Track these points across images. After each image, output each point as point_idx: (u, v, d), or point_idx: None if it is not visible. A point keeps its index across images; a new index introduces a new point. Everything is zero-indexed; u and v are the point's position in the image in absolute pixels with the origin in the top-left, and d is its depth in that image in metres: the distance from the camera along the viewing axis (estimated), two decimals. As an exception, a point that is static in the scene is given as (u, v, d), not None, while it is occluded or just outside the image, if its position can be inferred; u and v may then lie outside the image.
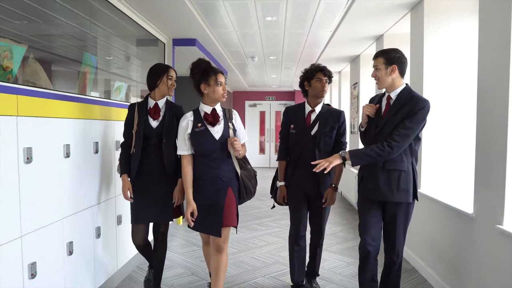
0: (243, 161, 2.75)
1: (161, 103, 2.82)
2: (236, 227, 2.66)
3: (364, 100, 5.80)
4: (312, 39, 5.66)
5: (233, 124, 2.65)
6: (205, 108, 2.61)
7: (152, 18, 4.40)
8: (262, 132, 12.89)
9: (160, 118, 2.78)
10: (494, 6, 2.41)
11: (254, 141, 12.67)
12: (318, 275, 3.17)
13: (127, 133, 2.82)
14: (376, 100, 2.59)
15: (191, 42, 5.27)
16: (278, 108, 12.71)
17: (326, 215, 2.97)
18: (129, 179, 2.79)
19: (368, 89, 5.94)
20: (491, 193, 2.41)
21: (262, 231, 4.90)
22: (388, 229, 2.54)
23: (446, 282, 2.99)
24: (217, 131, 2.58)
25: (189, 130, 2.57)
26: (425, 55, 3.50)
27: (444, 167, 3.48)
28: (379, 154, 2.35)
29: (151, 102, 2.81)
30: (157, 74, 2.79)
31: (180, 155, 2.66)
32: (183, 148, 2.60)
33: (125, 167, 2.81)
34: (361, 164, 2.51)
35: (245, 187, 2.68)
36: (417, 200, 2.48)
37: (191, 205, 2.57)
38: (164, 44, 5.21)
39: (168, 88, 2.79)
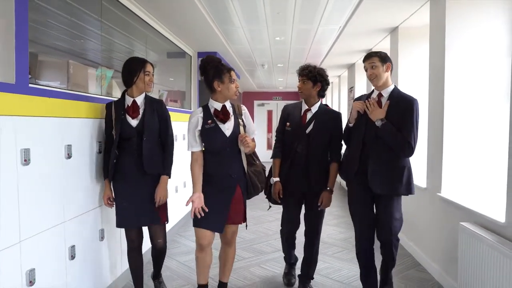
0: (252, 157, 2.66)
1: (140, 99, 2.58)
2: (245, 224, 2.64)
3: (359, 102, 6.70)
4: (314, 51, 6.59)
5: (243, 120, 2.57)
6: (215, 105, 2.50)
7: (182, 35, 5.35)
8: (269, 129, 13.36)
9: (140, 115, 2.56)
10: (436, 35, 3.40)
11: (263, 138, 13.15)
12: (312, 278, 3.09)
13: (106, 134, 2.63)
14: (364, 98, 2.65)
15: (212, 54, 6.26)
16: (285, 108, 13.40)
17: (322, 217, 2.92)
18: (111, 182, 2.63)
19: (362, 93, 6.89)
20: (435, 171, 3.40)
21: (272, 210, 5.85)
22: (380, 217, 2.66)
23: (412, 242, 3.99)
24: (227, 128, 2.48)
25: (199, 127, 2.48)
26: (399, 68, 4.51)
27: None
28: (400, 144, 2.43)
29: (129, 100, 2.57)
30: (133, 70, 2.54)
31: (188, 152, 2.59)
32: (194, 144, 2.51)
33: (106, 171, 2.61)
34: (386, 136, 2.48)
35: (252, 184, 2.61)
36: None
37: (198, 198, 2.46)
38: (191, 56, 6.20)
39: (145, 85, 2.57)
